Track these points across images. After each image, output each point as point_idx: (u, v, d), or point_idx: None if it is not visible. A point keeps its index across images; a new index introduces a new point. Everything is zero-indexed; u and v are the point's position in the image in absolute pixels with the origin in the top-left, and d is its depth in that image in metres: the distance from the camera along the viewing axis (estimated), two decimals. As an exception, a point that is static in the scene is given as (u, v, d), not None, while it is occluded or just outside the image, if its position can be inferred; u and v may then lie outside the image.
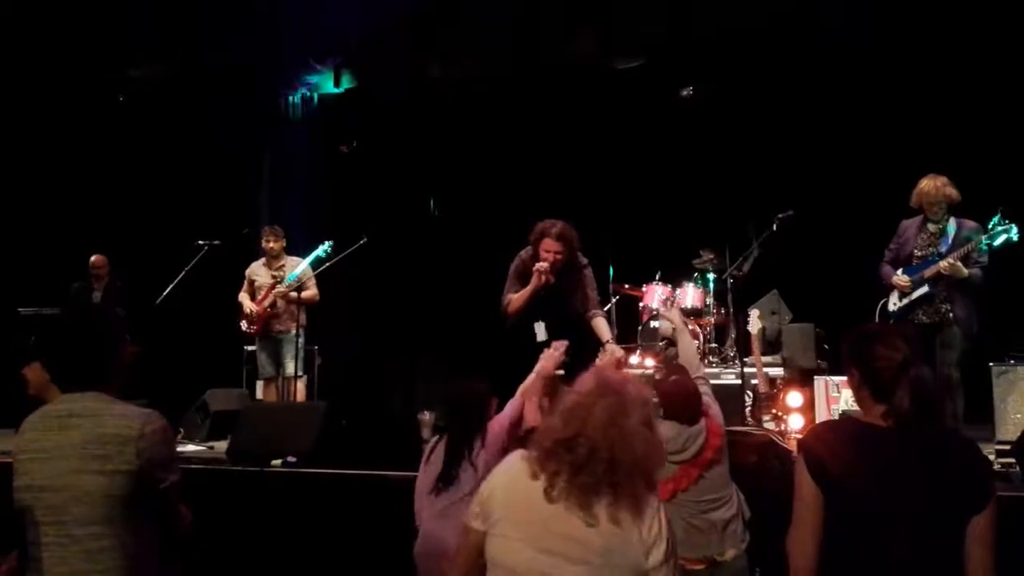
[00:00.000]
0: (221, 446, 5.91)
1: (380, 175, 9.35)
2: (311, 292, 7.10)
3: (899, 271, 5.51)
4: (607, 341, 5.02)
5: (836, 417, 5.28)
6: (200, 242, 7.40)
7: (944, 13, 7.35)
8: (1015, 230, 5.15)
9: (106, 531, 2.28)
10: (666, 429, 3.46)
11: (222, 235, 7.58)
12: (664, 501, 3.30)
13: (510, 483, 2.16)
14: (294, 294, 6.89)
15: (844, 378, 5.89)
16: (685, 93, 8.38)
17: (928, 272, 5.31)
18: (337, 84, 9.77)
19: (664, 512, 2.12)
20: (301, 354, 7.01)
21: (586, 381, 2.21)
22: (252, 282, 7.20)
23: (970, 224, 5.35)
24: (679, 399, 3.61)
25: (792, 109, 7.94)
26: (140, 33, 9.50)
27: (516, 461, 2.20)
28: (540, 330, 5.02)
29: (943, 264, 5.21)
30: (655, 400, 2.53)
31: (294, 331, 6.96)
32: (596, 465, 2.05)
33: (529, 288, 4.96)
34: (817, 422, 2.98)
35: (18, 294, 7.91)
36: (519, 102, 8.83)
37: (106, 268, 7.81)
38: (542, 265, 4.88)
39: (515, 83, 8.84)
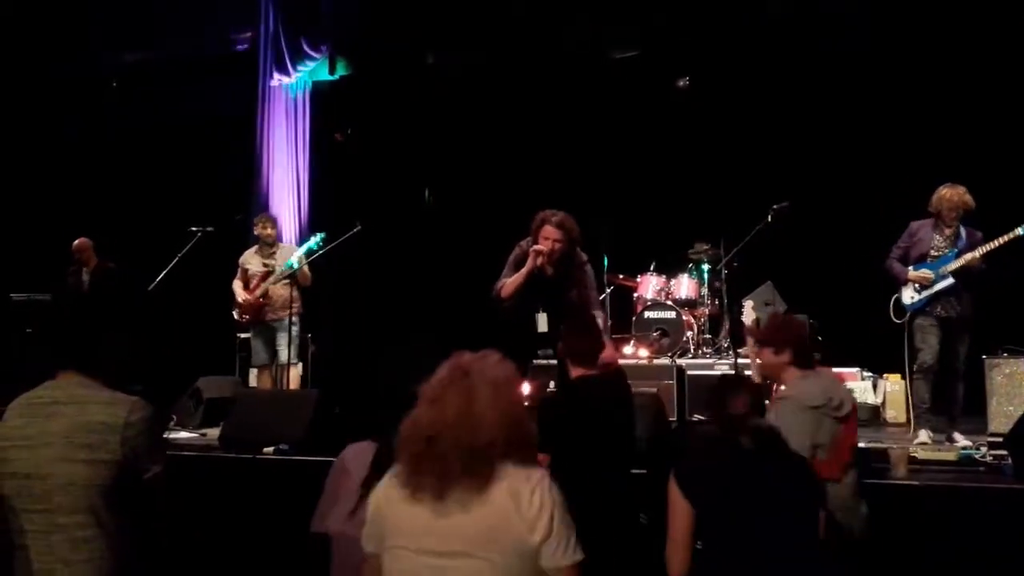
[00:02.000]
0: (214, 433, 5.90)
1: (375, 163, 9.32)
2: (303, 277, 7.00)
3: (910, 268, 5.72)
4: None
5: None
6: (193, 228, 7.37)
7: (943, 10, 7.34)
8: None
9: (90, 520, 2.26)
10: (811, 386, 3.40)
11: (215, 222, 7.55)
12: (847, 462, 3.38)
13: (388, 494, 2.09)
14: (286, 281, 6.87)
15: (837, 369, 5.94)
16: (682, 84, 8.37)
17: (952, 266, 5.56)
18: (332, 71, 9.72)
19: (548, 484, 2.05)
20: (296, 341, 7.00)
21: (441, 369, 2.14)
22: (245, 270, 7.18)
23: (977, 232, 5.65)
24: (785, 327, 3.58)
25: (788, 101, 7.92)
26: (134, 17, 9.44)
27: (391, 470, 2.13)
28: (542, 321, 5.01)
29: (969, 256, 5.49)
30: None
31: (288, 318, 6.94)
32: (454, 454, 1.99)
33: (523, 271, 4.94)
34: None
35: (11, 280, 7.89)
36: (515, 91, 8.79)
37: (89, 252, 7.73)
38: (539, 247, 4.87)
39: (511, 72, 8.80)
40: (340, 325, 8.66)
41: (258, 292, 6.99)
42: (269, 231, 7.17)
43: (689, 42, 8.27)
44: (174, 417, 6.52)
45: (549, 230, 4.87)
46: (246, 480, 4.90)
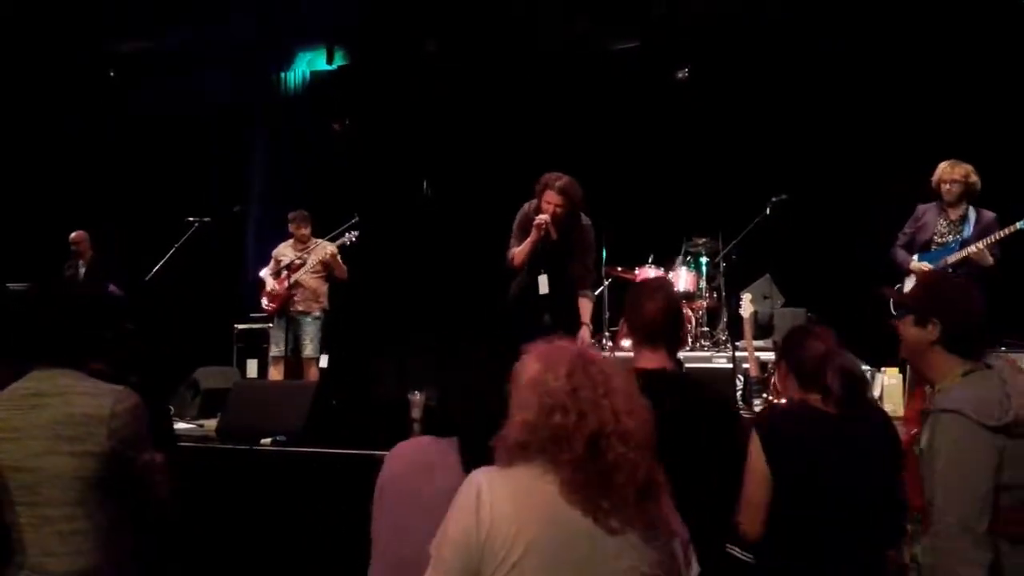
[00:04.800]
0: (211, 424, 5.88)
1: (373, 154, 9.30)
2: (340, 270, 7.19)
3: (915, 257, 5.50)
4: (583, 323, 5.12)
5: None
6: (190, 219, 7.37)
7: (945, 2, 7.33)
8: None
9: (78, 512, 2.25)
10: (980, 388, 2.33)
11: (213, 212, 7.54)
12: None
13: (529, 503, 1.64)
14: (317, 274, 7.03)
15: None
16: (681, 75, 8.34)
17: (952, 258, 5.31)
18: (330, 61, 9.69)
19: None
20: (319, 336, 7.16)
21: (542, 357, 1.75)
22: (278, 261, 7.25)
23: (989, 214, 5.35)
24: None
25: (787, 93, 7.90)
26: (132, 7, 9.39)
27: (525, 476, 1.68)
28: (543, 283, 5.06)
29: (972, 249, 5.21)
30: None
31: (315, 312, 7.11)
32: (636, 452, 1.66)
33: (529, 241, 5.00)
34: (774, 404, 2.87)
35: (7, 270, 7.86)
36: (513, 82, 8.77)
37: (86, 243, 7.78)
38: (542, 217, 4.91)
39: (510, 62, 8.77)
40: (338, 317, 8.65)
41: (288, 283, 7.04)
42: (303, 231, 7.22)
43: (688, 34, 8.25)
44: (171, 408, 6.51)
45: (550, 195, 4.90)
46: (243, 472, 4.89)
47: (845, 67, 7.69)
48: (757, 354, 5.93)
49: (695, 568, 1.77)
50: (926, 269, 5.37)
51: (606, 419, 1.66)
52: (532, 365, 1.75)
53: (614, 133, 8.47)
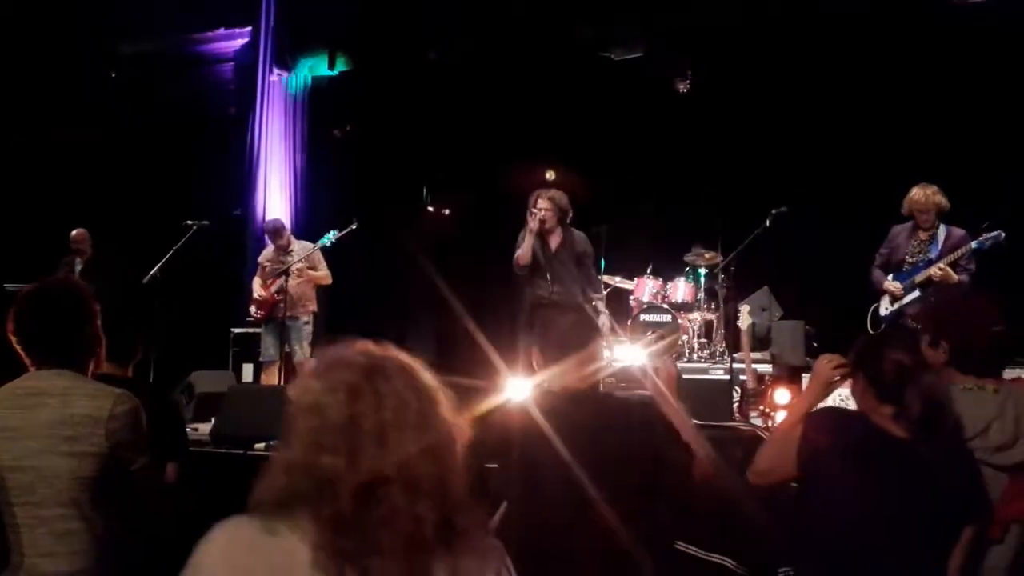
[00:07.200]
0: (206, 428, 5.86)
1: (373, 160, 9.29)
2: (322, 273, 7.20)
3: (889, 277, 5.67)
4: (601, 312, 5.98)
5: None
6: (189, 222, 7.36)
7: (942, 14, 7.32)
8: (1002, 235, 5.29)
9: (74, 513, 2.24)
10: (964, 405, 2.37)
11: (211, 216, 7.52)
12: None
13: None
14: (302, 279, 7.00)
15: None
16: (682, 87, 8.35)
17: (919, 277, 5.46)
18: (332, 66, 9.68)
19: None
20: (309, 339, 7.15)
21: (324, 372, 1.39)
22: (263, 267, 7.24)
23: (959, 232, 5.50)
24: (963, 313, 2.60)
25: (788, 106, 7.89)
26: (133, 9, 9.40)
27: (277, 540, 1.32)
28: (542, 286, 5.75)
29: (934, 270, 5.35)
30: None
31: (304, 316, 7.10)
32: (422, 505, 1.29)
33: (527, 234, 5.68)
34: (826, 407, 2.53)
35: (5, 270, 7.84)
36: (515, 90, 8.77)
37: (87, 242, 7.75)
38: (534, 212, 5.68)
39: (512, 71, 8.77)
40: (336, 321, 8.63)
41: (273, 288, 7.04)
42: (280, 241, 7.28)
43: (690, 45, 8.25)
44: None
45: (540, 202, 5.76)
46: (237, 476, 4.86)
47: (847, 79, 7.69)
48: (754, 366, 5.93)
49: None
50: (896, 288, 5.56)
51: (386, 464, 1.29)
52: (310, 384, 1.38)
53: (615, 143, 8.47)
